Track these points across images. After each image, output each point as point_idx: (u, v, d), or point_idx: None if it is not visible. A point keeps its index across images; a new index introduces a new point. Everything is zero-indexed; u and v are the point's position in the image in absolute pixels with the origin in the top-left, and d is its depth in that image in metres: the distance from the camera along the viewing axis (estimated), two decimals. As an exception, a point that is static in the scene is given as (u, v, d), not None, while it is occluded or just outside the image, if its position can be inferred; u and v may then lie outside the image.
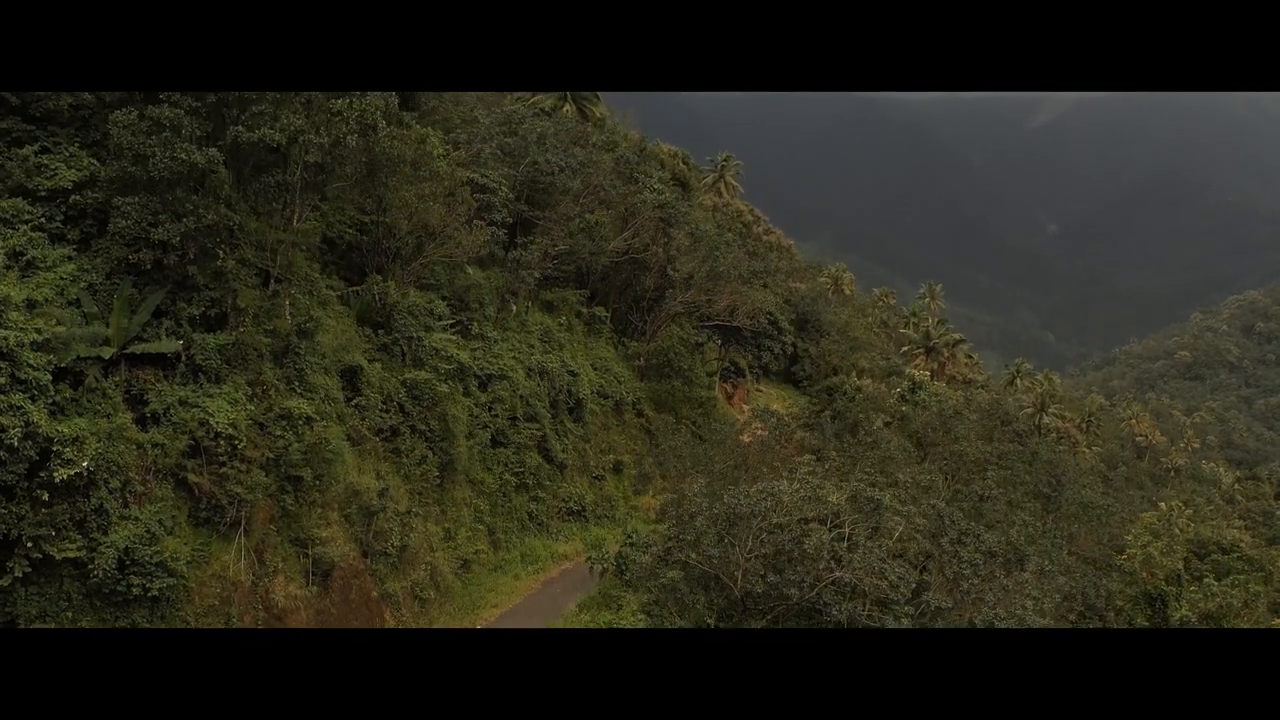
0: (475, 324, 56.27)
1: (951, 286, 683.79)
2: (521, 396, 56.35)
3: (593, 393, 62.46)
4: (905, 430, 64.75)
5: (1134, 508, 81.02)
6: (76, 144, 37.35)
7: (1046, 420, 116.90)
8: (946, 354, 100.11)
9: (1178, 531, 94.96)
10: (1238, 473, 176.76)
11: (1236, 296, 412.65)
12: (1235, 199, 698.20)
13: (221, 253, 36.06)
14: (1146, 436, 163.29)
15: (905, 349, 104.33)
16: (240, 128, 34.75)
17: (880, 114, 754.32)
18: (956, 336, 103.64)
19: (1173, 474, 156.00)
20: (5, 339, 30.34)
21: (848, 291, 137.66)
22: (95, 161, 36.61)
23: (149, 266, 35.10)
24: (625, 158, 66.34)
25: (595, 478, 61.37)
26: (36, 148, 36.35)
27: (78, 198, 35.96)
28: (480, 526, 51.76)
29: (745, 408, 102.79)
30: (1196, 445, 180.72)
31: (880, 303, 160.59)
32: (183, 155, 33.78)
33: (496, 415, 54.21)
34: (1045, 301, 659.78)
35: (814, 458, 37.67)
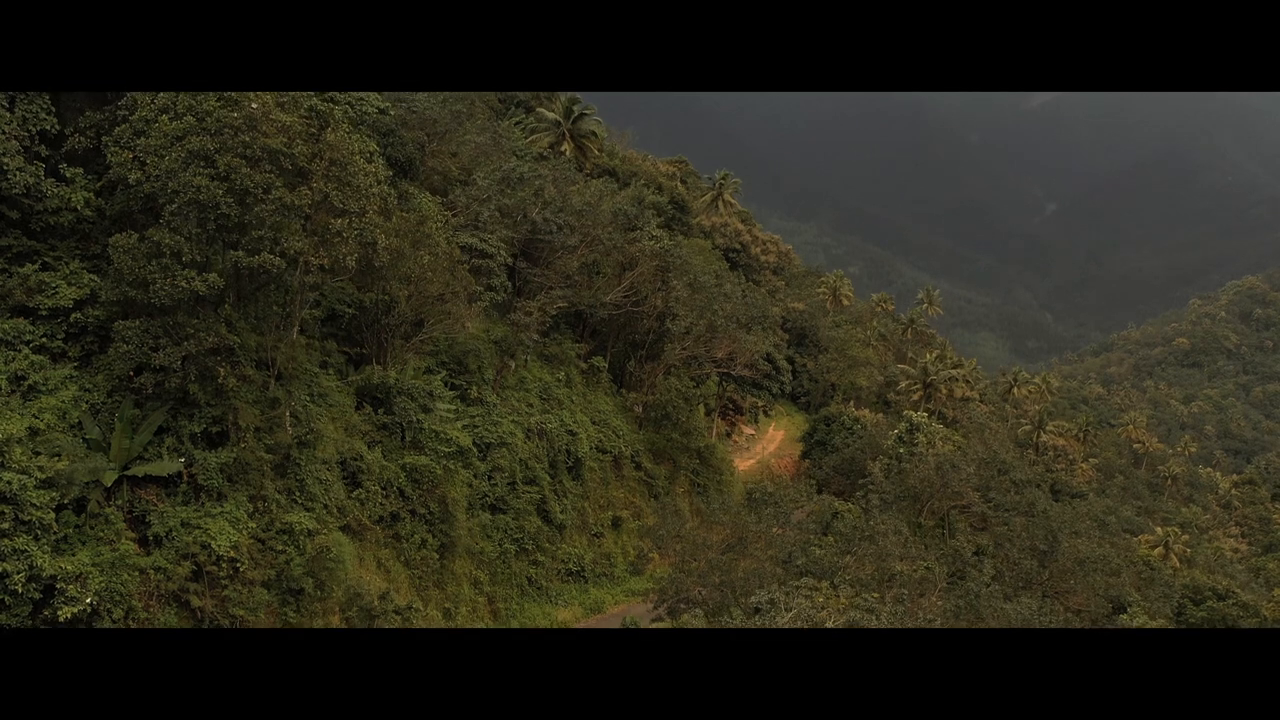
0: (474, 388, 56.52)
1: (949, 267, 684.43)
2: (521, 460, 56.62)
3: (591, 449, 62.70)
4: (903, 483, 65.06)
5: (1130, 551, 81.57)
6: (77, 258, 37.47)
7: (1044, 438, 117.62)
8: (944, 390, 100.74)
9: (1175, 562, 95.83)
10: (1234, 476, 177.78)
11: (1235, 282, 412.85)
12: (1233, 178, 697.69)
13: (222, 370, 36.20)
14: (1144, 444, 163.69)
15: (904, 384, 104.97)
16: (240, 252, 34.83)
17: (878, 95, 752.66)
18: (954, 372, 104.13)
19: (1170, 482, 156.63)
20: (10, 483, 30.57)
21: (846, 302, 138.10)
22: (95, 278, 36.74)
23: (150, 391, 35.27)
24: (623, 210, 66.46)
25: (594, 535, 61.67)
26: (38, 265, 36.47)
27: (78, 315, 36.14)
28: (480, 598, 52.09)
29: (746, 429, 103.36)
30: (1194, 450, 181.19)
31: (879, 309, 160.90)
32: (183, 283, 33.89)
33: (496, 484, 54.48)
34: (1043, 282, 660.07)
35: (814, 581, 37.80)
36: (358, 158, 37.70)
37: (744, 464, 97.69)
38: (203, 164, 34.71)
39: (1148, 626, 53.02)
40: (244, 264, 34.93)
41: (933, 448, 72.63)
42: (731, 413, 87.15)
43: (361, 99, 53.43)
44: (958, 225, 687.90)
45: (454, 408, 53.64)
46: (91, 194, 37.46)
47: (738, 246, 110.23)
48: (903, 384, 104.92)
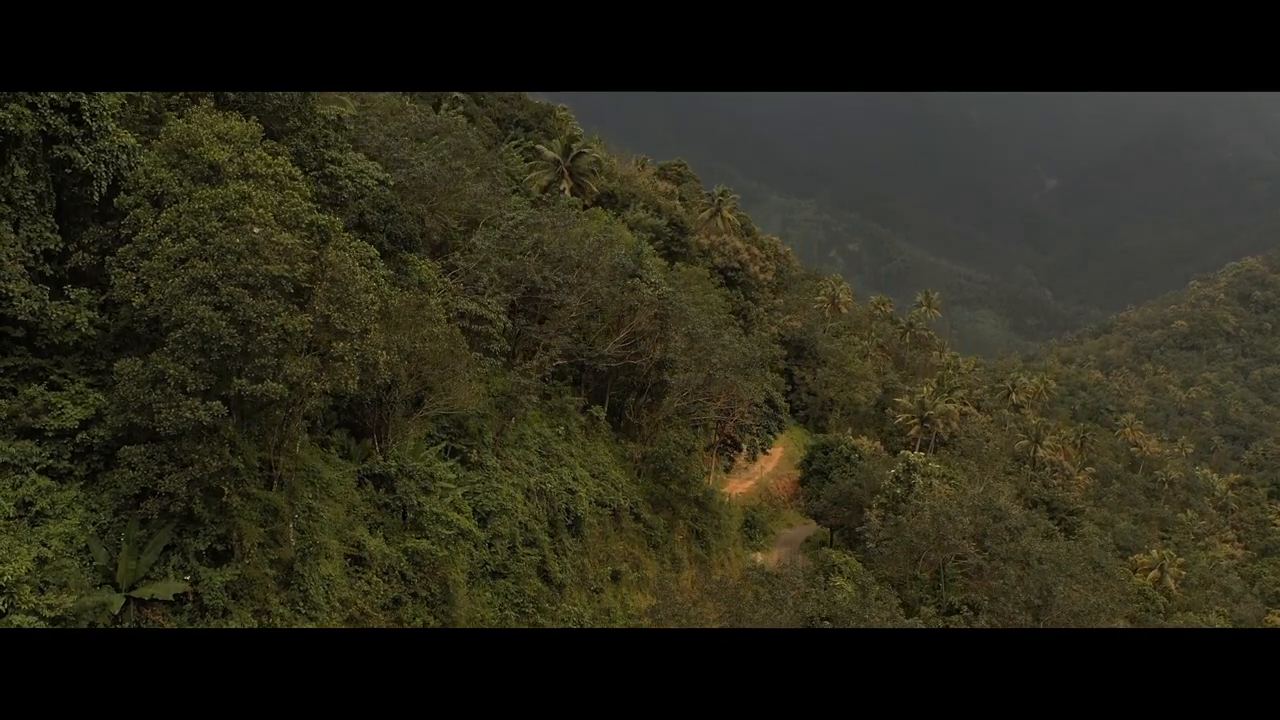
0: (475, 451, 57.13)
1: (949, 244, 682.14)
2: (521, 523, 57.30)
3: (591, 504, 63.35)
4: (900, 536, 65.76)
5: (1124, 584, 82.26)
6: (82, 374, 37.88)
7: (1042, 453, 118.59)
8: (941, 424, 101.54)
9: (1172, 586, 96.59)
10: (1232, 476, 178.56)
11: (1235, 264, 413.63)
12: (1234, 154, 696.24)
13: (226, 489, 36.78)
14: (1141, 446, 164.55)
15: (901, 419, 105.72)
16: (244, 380, 35.31)
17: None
18: (950, 407, 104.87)
19: (1167, 486, 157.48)
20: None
21: (844, 310, 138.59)
22: (101, 396, 37.17)
23: (156, 515, 35.83)
24: (622, 264, 66.91)
25: (594, 591, 62.38)
26: (44, 384, 36.90)
27: (84, 435, 36.60)
28: (481, 668, 52.71)
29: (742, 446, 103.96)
30: (1191, 450, 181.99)
31: (878, 311, 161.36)
32: (188, 413, 34.37)
33: (496, 551, 55.13)
34: (1043, 259, 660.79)
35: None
36: (359, 275, 38.10)
37: (742, 486, 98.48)
38: (206, 291, 35.12)
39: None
40: (247, 393, 35.40)
41: (930, 490, 73.25)
42: (730, 448, 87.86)
43: (362, 171, 53.69)
44: (958, 202, 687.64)
45: (454, 477, 54.32)
46: (95, 313, 37.83)
47: (736, 265, 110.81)
48: (900, 417, 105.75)
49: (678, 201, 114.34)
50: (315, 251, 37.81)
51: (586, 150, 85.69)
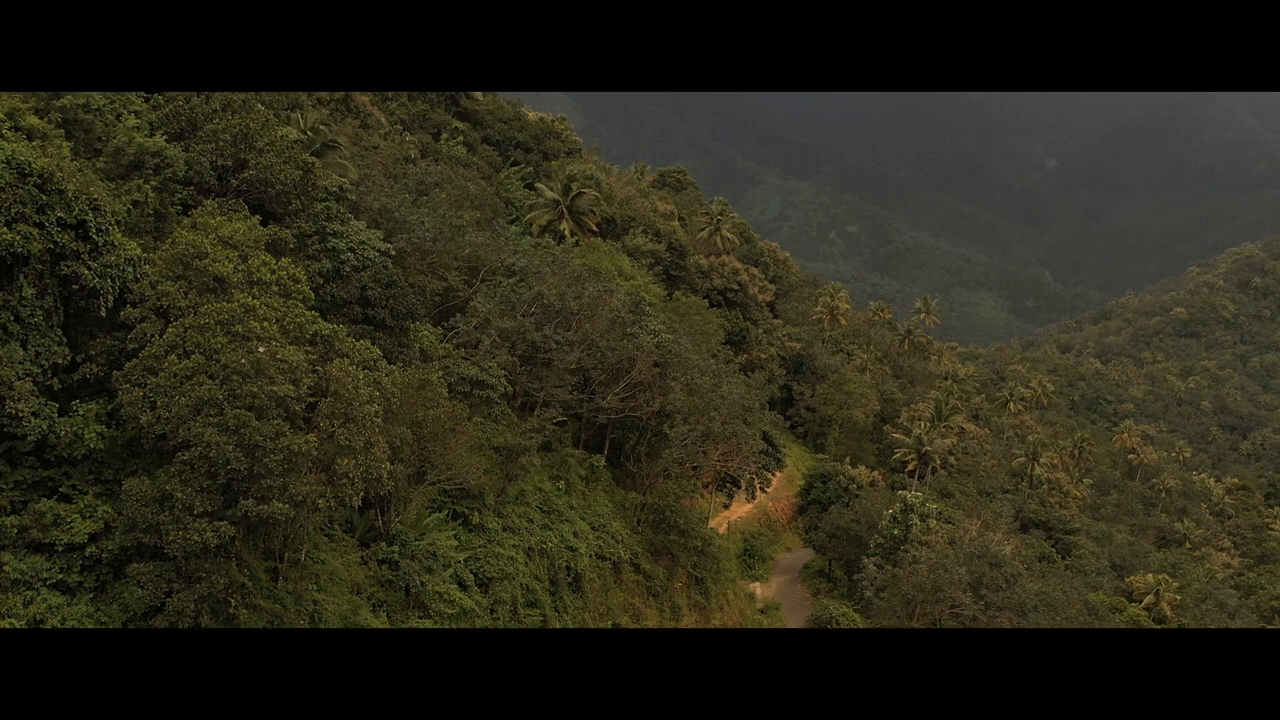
0: (476, 514, 57.73)
1: (948, 225, 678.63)
2: (523, 585, 57.92)
3: (591, 558, 63.97)
4: (897, 589, 66.51)
5: (1119, 615, 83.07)
6: (91, 483, 38.37)
7: (1039, 470, 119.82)
8: (938, 460, 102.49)
9: (1167, 611, 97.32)
10: (1230, 480, 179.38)
11: (1234, 249, 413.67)
12: (1234, 134, 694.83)
13: (234, 601, 37.41)
14: (1138, 454, 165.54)
15: (898, 453, 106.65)
16: (250, 500, 35.87)
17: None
18: (948, 442, 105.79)
19: (1164, 495, 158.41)
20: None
21: (844, 321, 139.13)
22: (109, 509, 37.72)
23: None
24: (620, 317, 67.34)
25: (594, 645, 63.07)
26: (54, 499, 37.43)
27: (93, 549, 37.17)
28: (482, 734, 53.41)
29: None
30: (1188, 455, 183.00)
31: (876, 319, 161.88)
32: (195, 535, 34.96)
33: (499, 616, 55.78)
34: (1042, 239, 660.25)
35: None
36: (362, 388, 38.60)
37: (741, 510, 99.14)
38: (212, 412, 35.62)
39: None
40: (253, 512, 35.97)
41: (928, 530, 73.93)
42: (729, 484, 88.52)
43: (364, 243, 54.11)
44: (957, 182, 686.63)
45: (456, 544, 54.95)
46: (103, 426, 38.31)
47: (735, 286, 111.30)
48: (898, 453, 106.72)
49: (677, 223, 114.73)
50: (320, 367, 38.31)
51: (585, 190, 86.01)
